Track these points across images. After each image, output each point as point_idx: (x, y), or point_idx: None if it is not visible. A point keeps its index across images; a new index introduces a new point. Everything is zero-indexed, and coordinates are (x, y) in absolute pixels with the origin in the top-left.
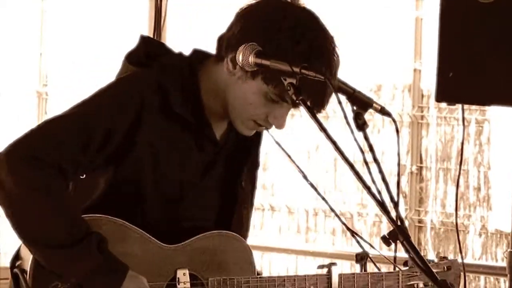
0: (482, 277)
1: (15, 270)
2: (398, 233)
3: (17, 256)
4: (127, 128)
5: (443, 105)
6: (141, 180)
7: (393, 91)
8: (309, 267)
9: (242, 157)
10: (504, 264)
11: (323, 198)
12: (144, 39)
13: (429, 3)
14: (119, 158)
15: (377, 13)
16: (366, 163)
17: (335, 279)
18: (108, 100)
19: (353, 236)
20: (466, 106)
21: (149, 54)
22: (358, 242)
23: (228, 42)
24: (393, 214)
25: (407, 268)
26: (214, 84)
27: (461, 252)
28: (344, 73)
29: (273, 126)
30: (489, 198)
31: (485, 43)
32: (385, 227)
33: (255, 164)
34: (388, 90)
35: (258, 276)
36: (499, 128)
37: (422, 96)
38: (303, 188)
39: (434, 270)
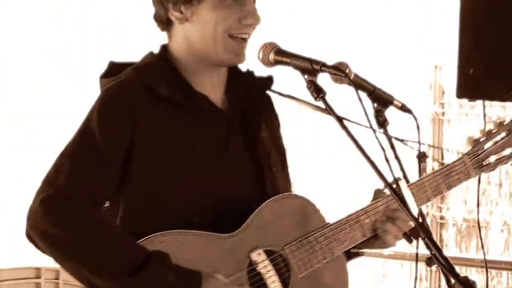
0: (504, 273)
1: None
2: (420, 230)
3: None
4: (130, 132)
5: (464, 101)
6: (157, 181)
7: (414, 88)
8: None
9: (256, 122)
10: None
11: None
12: (112, 63)
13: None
14: (129, 170)
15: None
16: (387, 160)
17: (406, 193)
18: (101, 114)
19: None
20: (487, 102)
21: (123, 66)
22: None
23: (160, 2)
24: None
25: (469, 152)
26: (184, 52)
27: (483, 248)
28: (365, 71)
29: (252, 25)
30: (511, 193)
31: (506, 39)
32: None
33: (273, 126)
34: (409, 87)
35: (330, 224)
36: None
37: (443, 92)
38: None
39: None
